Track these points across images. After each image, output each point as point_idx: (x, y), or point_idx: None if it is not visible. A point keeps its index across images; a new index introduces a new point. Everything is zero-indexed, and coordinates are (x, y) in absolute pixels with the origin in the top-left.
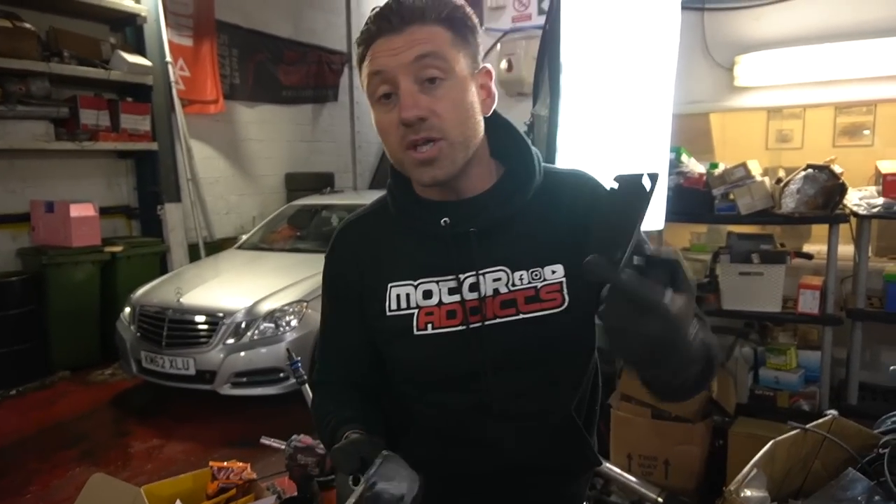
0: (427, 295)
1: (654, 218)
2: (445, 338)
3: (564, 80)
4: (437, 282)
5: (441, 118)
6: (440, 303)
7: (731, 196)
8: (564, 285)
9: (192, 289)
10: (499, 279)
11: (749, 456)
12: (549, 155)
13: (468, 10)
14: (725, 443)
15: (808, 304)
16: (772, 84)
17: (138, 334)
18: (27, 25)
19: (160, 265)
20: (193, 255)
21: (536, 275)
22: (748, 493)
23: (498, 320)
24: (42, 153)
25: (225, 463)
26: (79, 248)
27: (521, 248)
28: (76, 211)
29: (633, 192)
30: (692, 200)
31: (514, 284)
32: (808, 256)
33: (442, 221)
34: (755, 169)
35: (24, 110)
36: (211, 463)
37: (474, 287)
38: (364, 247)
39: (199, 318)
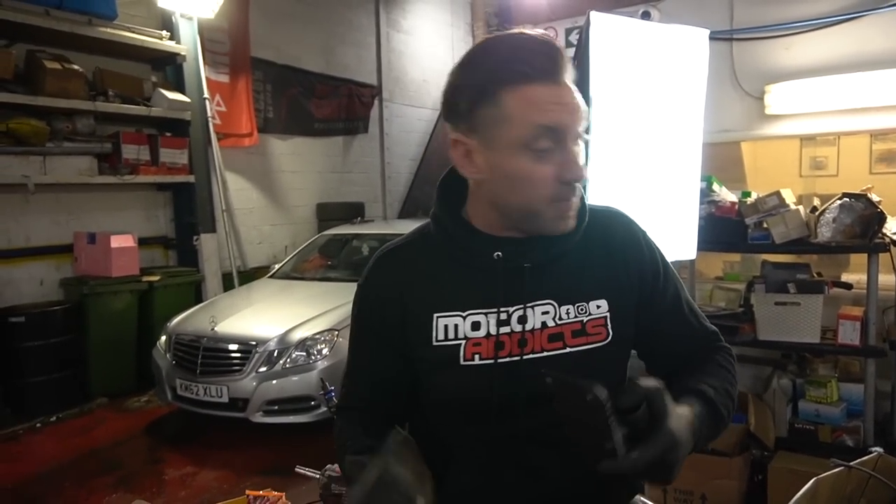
0: (475, 326)
1: (686, 247)
2: (493, 369)
3: (594, 112)
4: (486, 314)
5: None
6: (488, 334)
7: (765, 225)
8: (609, 319)
9: (226, 318)
10: (546, 313)
11: (790, 492)
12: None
13: None
14: (765, 478)
15: (849, 334)
16: (804, 112)
17: (173, 362)
18: (75, 67)
19: (195, 294)
20: (227, 284)
21: (582, 309)
22: None
23: (546, 353)
24: (86, 187)
25: (261, 492)
26: (118, 277)
27: (567, 283)
28: (116, 242)
29: (582, 406)
30: (724, 229)
31: (560, 318)
32: (848, 286)
33: (495, 255)
34: (789, 197)
35: (70, 146)
36: (248, 492)
37: (522, 320)
38: (406, 275)
39: (233, 347)
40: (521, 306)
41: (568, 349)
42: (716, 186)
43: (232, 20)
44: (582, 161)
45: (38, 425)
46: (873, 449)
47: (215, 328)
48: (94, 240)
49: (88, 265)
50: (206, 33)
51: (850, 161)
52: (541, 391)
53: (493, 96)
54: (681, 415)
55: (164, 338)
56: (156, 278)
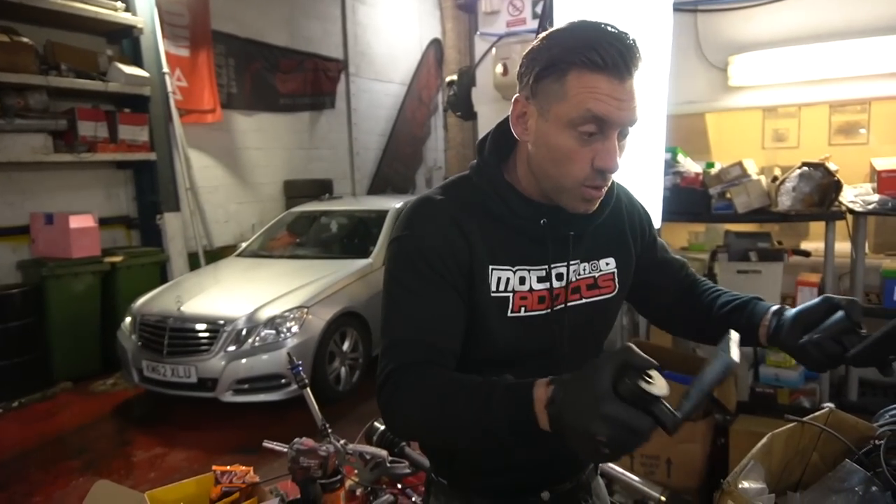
0: (522, 281)
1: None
2: (534, 320)
3: None
4: (530, 270)
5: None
6: (531, 289)
7: (728, 195)
8: (616, 275)
9: (193, 297)
10: (575, 270)
11: (749, 452)
12: None
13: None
14: (727, 441)
15: (807, 300)
16: (766, 83)
17: (139, 343)
18: (25, 39)
19: (160, 274)
20: (193, 263)
21: (595, 266)
22: (746, 484)
23: (571, 304)
24: (41, 165)
25: (228, 467)
26: (79, 259)
27: (586, 244)
28: (75, 222)
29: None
30: (689, 200)
31: (580, 274)
32: (806, 254)
33: (541, 221)
34: (751, 168)
35: (22, 123)
36: (214, 467)
37: (560, 277)
38: (466, 224)
39: (200, 326)
40: (565, 265)
41: (584, 300)
42: (680, 157)
43: None
44: (618, 156)
45: (0, 411)
46: (825, 405)
47: (182, 308)
48: (52, 220)
49: (47, 247)
50: (164, 5)
51: (810, 133)
52: (575, 336)
53: (560, 73)
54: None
55: (128, 319)
56: (118, 259)
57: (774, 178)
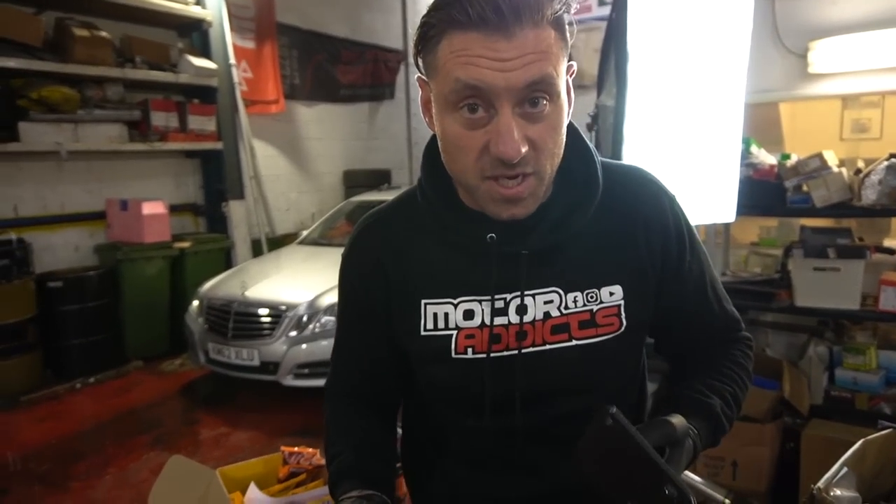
0: (468, 315)
1: (725, 210)
2: (488, 363)
3: (631, 69)
4: (479, 301)
5: (537, 150)
6: (482, 324)
7: (805, 188)
8: (622, 308)
9: (256, 283)
10: (550, 302)
11: (824, 459)
12: (616, 146)
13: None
14: (797, 445)
15: (891, 301)
16: (849, 70)
17: (206, 326)
18: (103, 34)
19: (225, 260)
20: (256, 250)
21: (592, 297)
22: (838, 492)
23: (548, 346)
24: (116, 154)
25: (296, 448)
26: (150, 244)
27: (576, 267)
28: (148, 209)
29: (615, 438)
30: (763, 193)
31: (567, 307)
32: (890, 251)
33: (487, 237)
34: (831, 159)
35: (100, 114)
36: (282, 448)
37: (521, 310)
38: (390, 254)
39: (263, 311)
40: (519, 294)
41: (574, 342)
42: (754, 148)
43: None
44: (516, 136)
45: (78, 386)
46: None
47: (246, 293)
48: (126, 207)
49: (121, 231)
50: None
51: (895, 123)
52: (539, 388)
53: (434, 41)
54: (681, 450)
55: (196, 302)
56: (187, 244)
57: (858, 171)
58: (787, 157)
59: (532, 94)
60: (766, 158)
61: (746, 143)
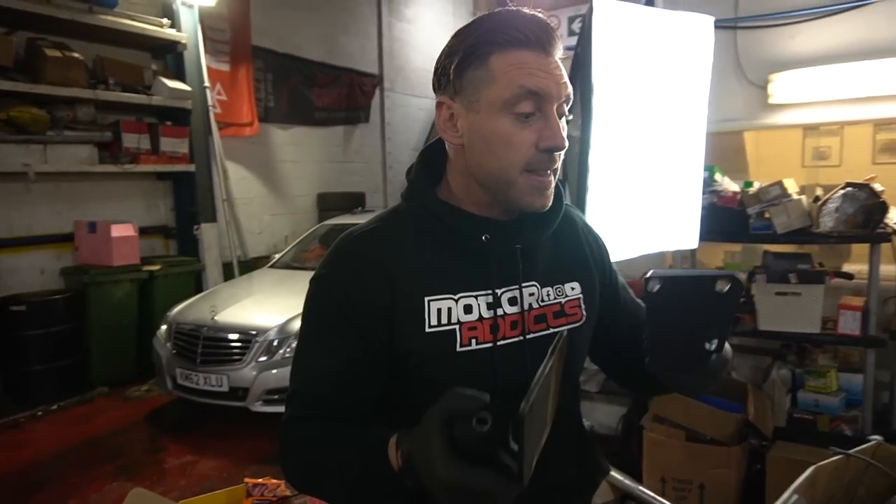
0: (468, 310)
1: (688, 237)
2: (490, 353)
3: (596, 100)
4: (476, 296)
5: (561, 151)
6: (481, 317)
7: (767, 215)
8: (581, 301)
9: (227, 307)
10: (532, 294)
11: (788, 481)
12: (581, 175)
13: None
14: (763, 467)
15: (849, 325)
16: (808, 101)
17: (174, 351)
18: (76, 55)
19: (196, 284)
20: (228, 273)
21: (560, 291)
22: None
23: (534, 334)
24: (86, 176)
25: (260, 479)
26: (119, 267)
27: (547, 266)
28: (117, 231)
29: (710, 297)
30: (726, 219)
31: (543, 300)
32: (849, 276)
33: (483, 237)
34: (791, 187)
35: (70, 135)
36: (246, 479)
37: (514, 301)
38: (390, 258)
39: (233, 336)
40: (517, 287)
41: (551, 329)
42: (718, 176)
43: (233, 8)
44: (563, 132)
45: (40, 413)
46: (872, 437)
47: (216, 317)
48: (95, 229)
49: (89, 254)
50: (207, 21)
51: (853, 151)
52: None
53: (482, 57)
54: None
55: (164, 327)
56: (156, 268)
57: (816, 199)
58: (749, 184)
59: (563, 106)
60: (730, 186)
61: (710, 171)
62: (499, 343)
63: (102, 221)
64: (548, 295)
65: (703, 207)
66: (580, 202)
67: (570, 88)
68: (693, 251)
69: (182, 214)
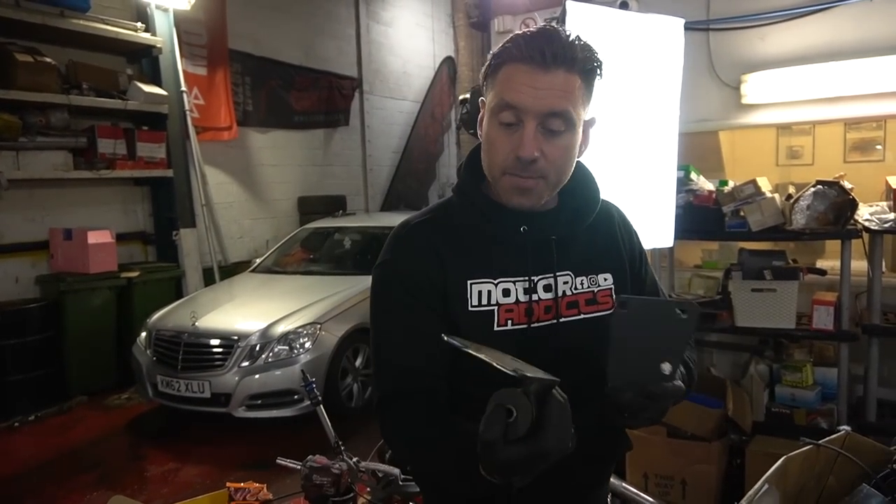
0: (506, 293)
1: (663, 236)
2: (524, 334)
3: None
4: (515, 282)
5: (548, 162)
6: (517, 301)
7: (742, 213)
8: (613, 291)
9: (208, 312)
10: (566, 283)
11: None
12: None
13: (604, 62)
14: (743, 462)
15: (823, 320)
16: (780, 101)
17: (154, 358)
18: (48, 60)
19: (175, 290)
20: (208, 279)
21: (593, 280)
22: None
23: (564, 319)
24: (61, 182)
25: (242, 484)
26: (96, 274)
27: (582, 256)
28: (93, 238)
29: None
30: (702, 218)
31: (576, 288)
32: (822, 272)
33: (521, 228)
34: (765, 185)
35: (44, 141)
36: (228, 484)
37: (548, 288)
38: (441, 243)
39: (215, 342)
40: (552, 275)
41: (582, 315)
42: (693, 175)
43: (209, 11)
44: (534, 144)
45: (16, 424)
46: (841, 428)
47: (196, 323)
48: (71, 236)
49: (65, 262)
50: (183, 25)
51: (825, 150)
52: (574, 354)
53: (496, 67)
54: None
55: (144, 334)
56: (134, 274)
57: (789, 197)
58: (724, 183)
59: (551, 123)
60: (706, 185)
61: (686, 171)
62: (532, 325)
63: (78, 228)
64: (581, 284)
65: (680, 206)
66: None
67: (557, 104)
68: (671, 249)
69: (161, 220)
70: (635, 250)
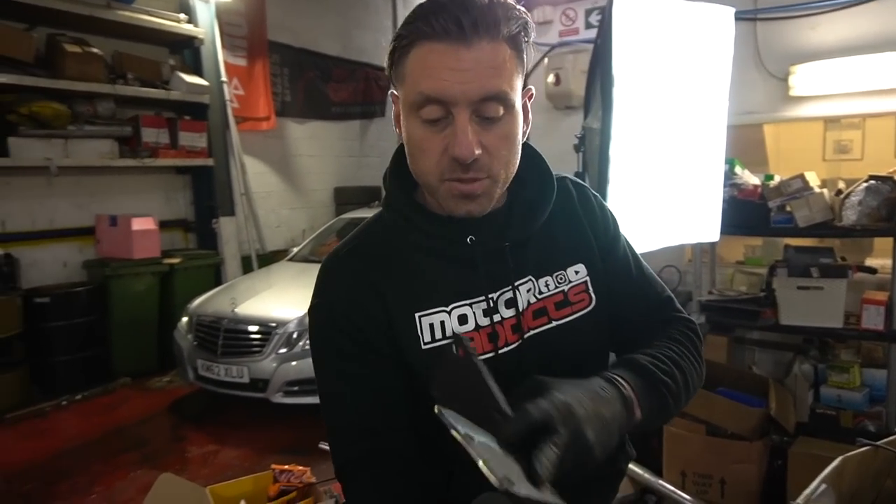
0: (463, 320)
1: (709, 230)
2: (492, 363)
3: (617, 92)
4: (471, 304)
5: (491, 156)
6: (477, 326)
7: (788, 208)
8: (589, 283)
9: (246, 299)
10: (529, 290)
11: (810, 476)
12: (602, 167)
13: (531, 21)
14: (785, 463)
15: (872, 319)
16: (829, 93)
17: (195, 343)
18: (95, 50)
19: (215, 277)
20: (246, 267)
21: (561, 278)
22: None
23: (533, 332)
24: (107, 170)
25: (286, 466)
26: (139, 260)
27: (541, 254)
28: (137, 224)
29: (460, 366)
30: (747, 213)
31: (540, 292)
32: (872, 271)
33: (468, 239)
34: (813, 180)
35: (91, 130)
36: (273, 466)
37: (511, 303)
38: (377, 272)
39: (253, 328)
40: (510, 288)
41: (554, 323)
42: (738, 169)
43: (249, 3)
44: (471, 139)
45: (65, 403)
46: None
47: (236, 310)
48: (116, 222)
49: (110, 247)
50: (224, 16)
51: (875, 145)
52: (548, 373)
53: (403, 53)
54: (580, 383)
55: (185, 319)
56: (176, 261)
57: (839, 192)
58: (770, 177)
59: (487, 109)
60: (750, 179)
61: (731, 164)
62: (501, 351)
63: (123, 215)
64: (546, 285)
65: (724, 201)
66: (601, 193)
67: (495, 88)
68: (713, 245)
69: (201, 208)
70: (598, 224)
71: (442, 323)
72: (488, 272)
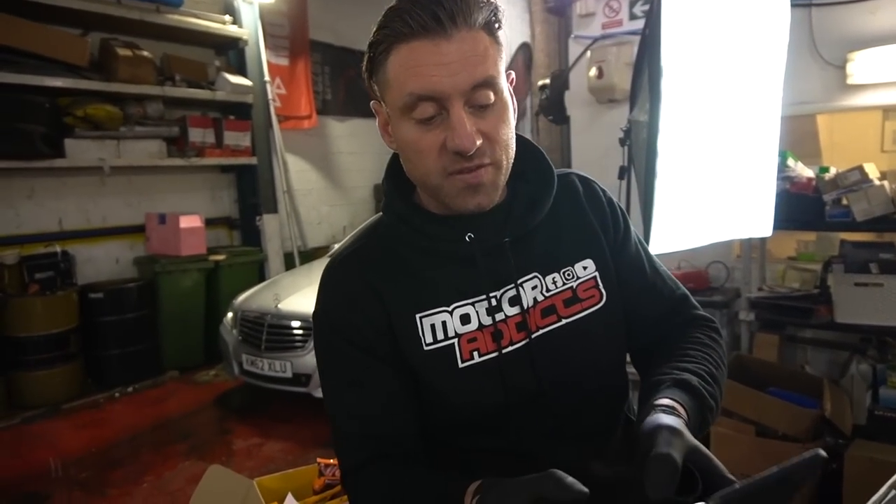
0: (465, 320)
1: (759, 225)
2: (497, 363)
3: (665, 84)
4: (473, 303)
5: (490, 142)
6: (480, 326)
7: (845, 201)
8: (598, 279)
9: (289, 295)
10: (535, 287)
11: (868, 481)
12: (650, 161)
13: (500, 7)
14: (840, 466)
15: None
16: (890, 81)
17: (240, 338)
18: (145, 53)
19: (259, 273)
20: (289, 263)
21: (569, 274)
22: None
23: (542, 331)
24: (156, 169)
25: (332, 460)
26: (187, 256)
27: (547, 250)
28: (185, 222)
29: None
30: (800, 207)
31: (548, 289)
32: None
33: (467, 237)
34: (872, 172)
35: (141, 130)
36: (318, 459)
37: (515, 301)
38: (376, 277)
39: (296, 324)
40: (513, 285)
41: (563, 321)
42: (791, 161)
43: (291, 4)
44: (470, 129)
45: (117, 395)
46: None
47: (279, 305)
48: (164, 220)
49: (159, 244)
50: (267, 17)
51: None
52: (559, 373)
53: (383, 58)
54: (672, 428)
55: (230, 314)
56: (222, 257)
57: None
58: (825, 170)
59: (478, 97)
60: (804, 172)
61: (783, 157)
62: (505, 350)
63: (171, 213)
64: (554, 282)
65: (776, 194)
66: (648, 187)
67: (483, 74)
68: (763, 240)
69: (245, 206)
70: (608, 220)
71: (443, 323)
72: (489, 270)
